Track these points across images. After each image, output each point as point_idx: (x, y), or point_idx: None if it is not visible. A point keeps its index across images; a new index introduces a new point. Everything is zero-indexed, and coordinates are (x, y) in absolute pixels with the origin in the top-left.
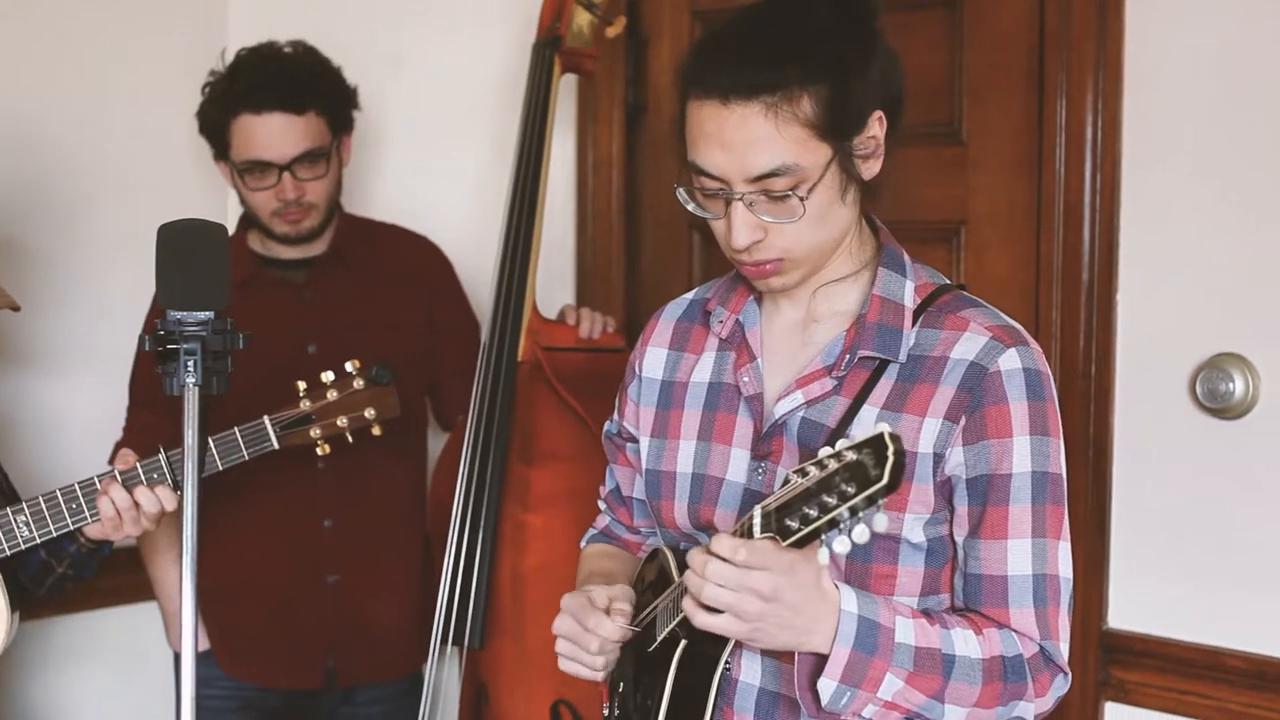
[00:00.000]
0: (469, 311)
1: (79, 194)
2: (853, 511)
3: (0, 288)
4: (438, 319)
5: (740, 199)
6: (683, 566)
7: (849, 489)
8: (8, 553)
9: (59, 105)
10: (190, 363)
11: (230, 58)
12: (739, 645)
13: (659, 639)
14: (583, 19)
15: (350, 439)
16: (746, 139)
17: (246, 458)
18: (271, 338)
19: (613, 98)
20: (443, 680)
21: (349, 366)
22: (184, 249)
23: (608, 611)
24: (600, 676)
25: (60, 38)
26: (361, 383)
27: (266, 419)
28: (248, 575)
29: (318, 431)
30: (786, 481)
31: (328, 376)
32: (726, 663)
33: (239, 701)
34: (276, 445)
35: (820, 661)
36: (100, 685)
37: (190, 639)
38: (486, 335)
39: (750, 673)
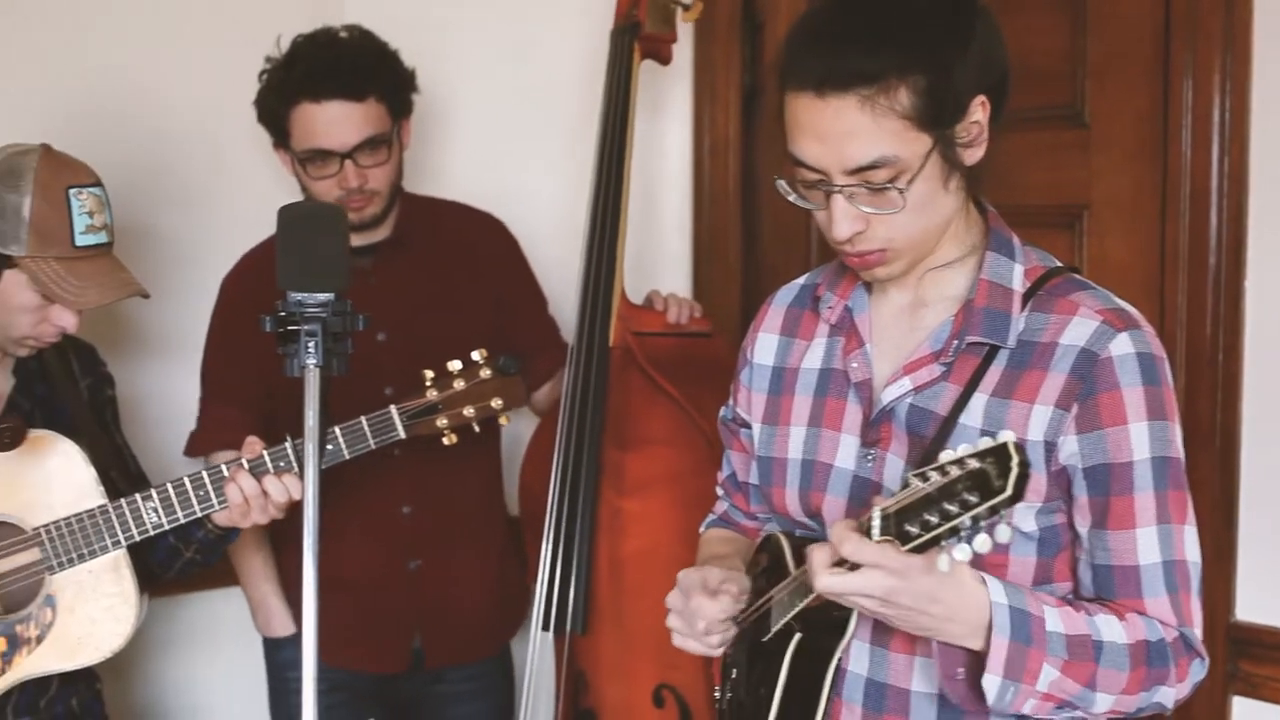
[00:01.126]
0: (536, 286)
1: (203, 180)
2: (974, 520)
3: (130, 275)
4: (505, 295)
5: (840, 191)
6: (797, 555)
7: (971, 498)
8: (137, 538)
9: (185, 93)
10: (311, 344)
11: (286, 45)
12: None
13: (774, 629)
14: (661, 4)
15: (477, 429)
16: (842, 131)
17: (373, 446)
18: None
19: (729, 81)
20: (539, 668)
21: (476, 355)
22: (303, 231)
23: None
24: (715, 652)
25: (186, 25)
26: (489, 372)
27: (393, 408)
28: (331, 562)
29: (444, 421)
30: (906, 484)
31: (454, 365)
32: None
33: (328, 684)
34: (403, 434)
35: (973, 660)
36: (225, 665)
37: (311, 625)
38: (576, 322)
39: (858, 662)
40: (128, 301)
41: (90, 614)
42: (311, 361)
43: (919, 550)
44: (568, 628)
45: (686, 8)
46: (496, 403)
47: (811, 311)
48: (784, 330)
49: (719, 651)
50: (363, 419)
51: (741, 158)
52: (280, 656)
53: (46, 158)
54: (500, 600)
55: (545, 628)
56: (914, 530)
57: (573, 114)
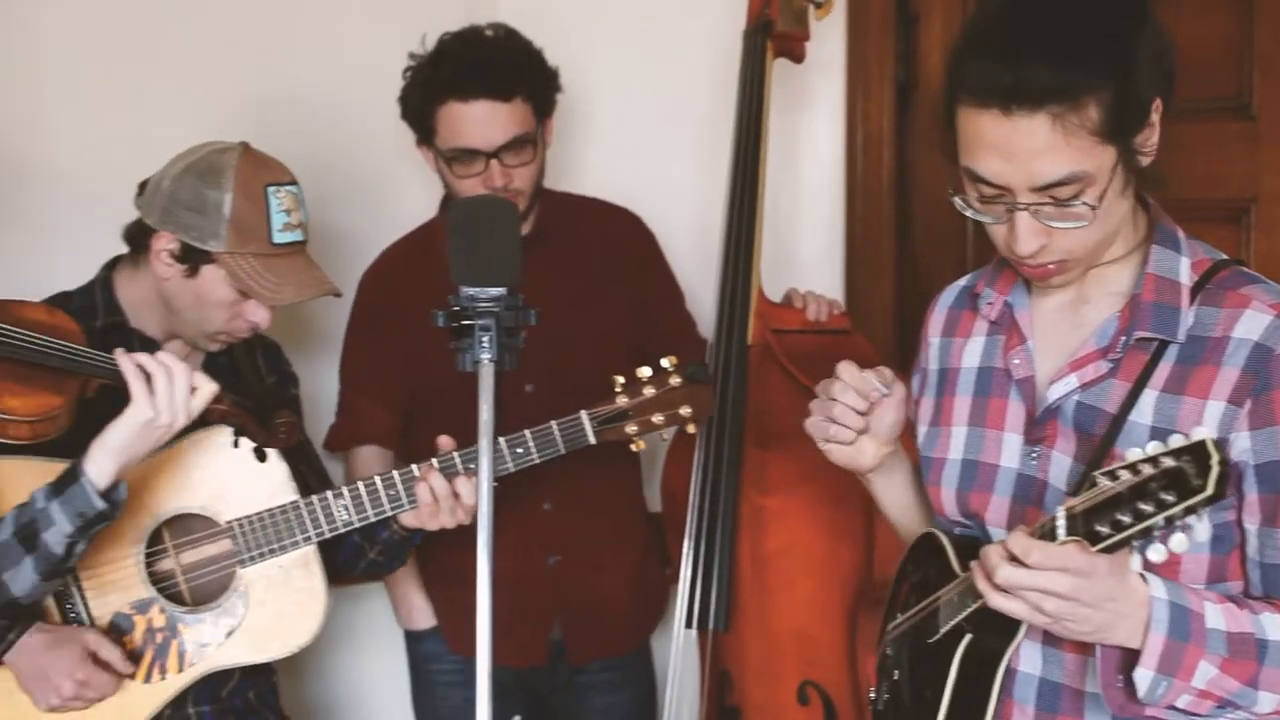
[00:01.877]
0: (673, 281)
1: (388, 177)
2: (1169, 521)
3: (322, 273)
4: (645, 291)
5: (1025, 208)
6: (962, 556)
7: (1167, 497)
8: (327, 535)
9: (369, 92)
10: (485, 338)
11: (431, 43)
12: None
13: (942, 630)
14: (793, 2)
15: (665, 437)
16: (1031, 150)
17: (563, 452)
18: None
19: (883, 75)
20: (681, 666)
21: (665, 363)
22: (476, 226)
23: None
24: (849, 436)
25: (368, 27)
26: (679, 380)
27: (584, 414)
28: (471, 557)
29: (634, 428)
30: (1093, 484)
31: (644, 372)
32: None
33: (468, 675)
34: (593, 440)
35: (1129, 655)
36: (385, 659)
37: (486, 622)
38: (714, 320)
39: (1030, 662)
40: (310, 301)
41: (280, 608)
42: (486, 356)
43: (1109, 550)
44: (710, 625)
45: (819, 5)
46: (685, 410)
47: (970, 310)
48: (944, 332)
49: (850, 437)
50: (554, 424)
51: (895, 153)
52: (422, 649)
53: (246, 156)
54: (640, 596)
55: (688, 625)
56: (1105, 530)
57: (708, 111)
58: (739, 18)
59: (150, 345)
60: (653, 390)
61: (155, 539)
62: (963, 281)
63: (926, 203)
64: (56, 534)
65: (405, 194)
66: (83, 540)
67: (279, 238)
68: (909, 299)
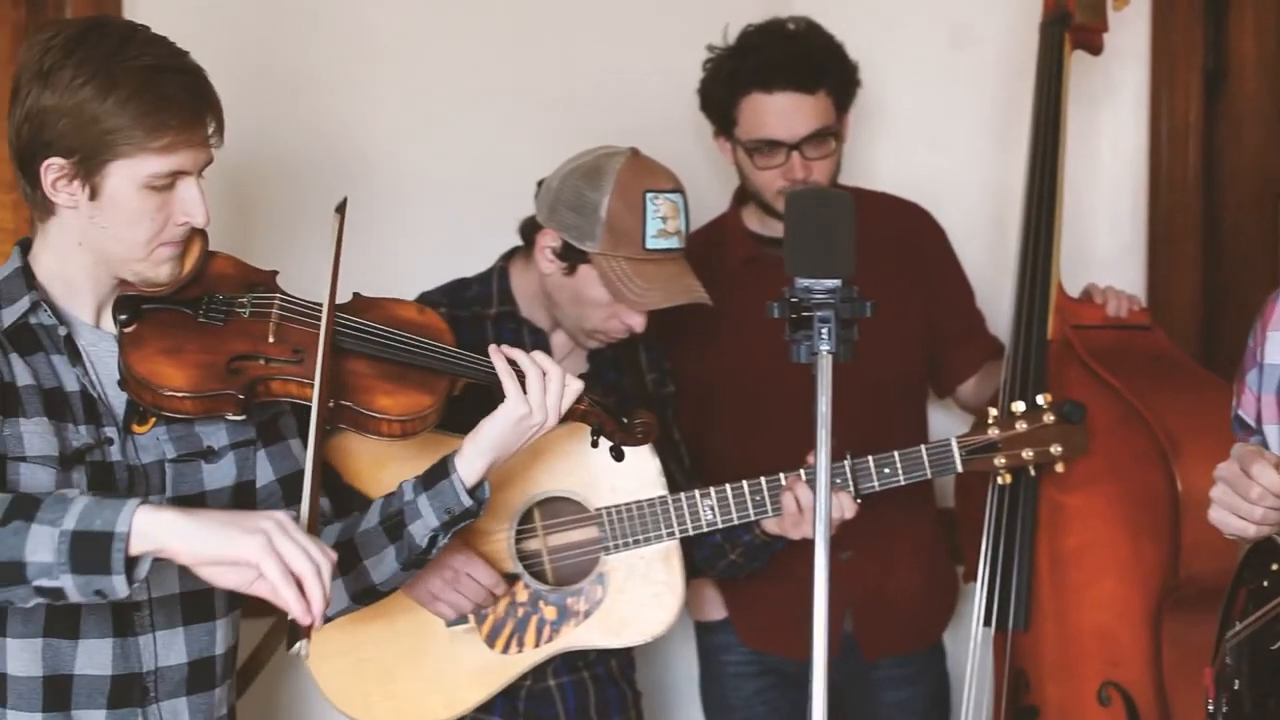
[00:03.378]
0: (964, 276)
1: (684, 172)
2: None
3: (694, 281)
4: (937, 287)
5: None
6: None
7: None
8: (691, 533)
9: (593, 87)
10: (825, 330)
11: (733, 35)
12: None
13: None
14: None
15: (1033, 472)
16: None
17: (929, 476)
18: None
19: (1190, 63)
20: (977, 665)
21: (1040, 400)
22: (814, 218)
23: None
24: (1252, 531)
25: (597, 28)
26: (1052, 417)
27: (953, 440)
28: None
29: (1002, 461)
30: None
31: (1018, 407)
32: None
33: (760, 666)
34: (960, 468)
35: None
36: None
37: (823, 620)
38: (1012, 315)
39: None
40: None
41: (638, 598)
42: (825, 348)
43: None
44: (1009, 624)
45: None
46: (1056, 449)
47: None
48: None
49: (1256, 531)
50: (922, 448)
51: (1202, 144)
52: (713, 640)
53: (631, 161)
54: (932, 591)
55: (986, 623)
56: None
57: (1002, 105)
58: (1034, 10)
59: (539, 335)
60: (1025, 425)
61: (525, 519)
62: None
63: (1236, 194)
64: (422, 527)
65: (702, 188)
66: (445, 535)
67: (652, 243)
68: (1216, 292)
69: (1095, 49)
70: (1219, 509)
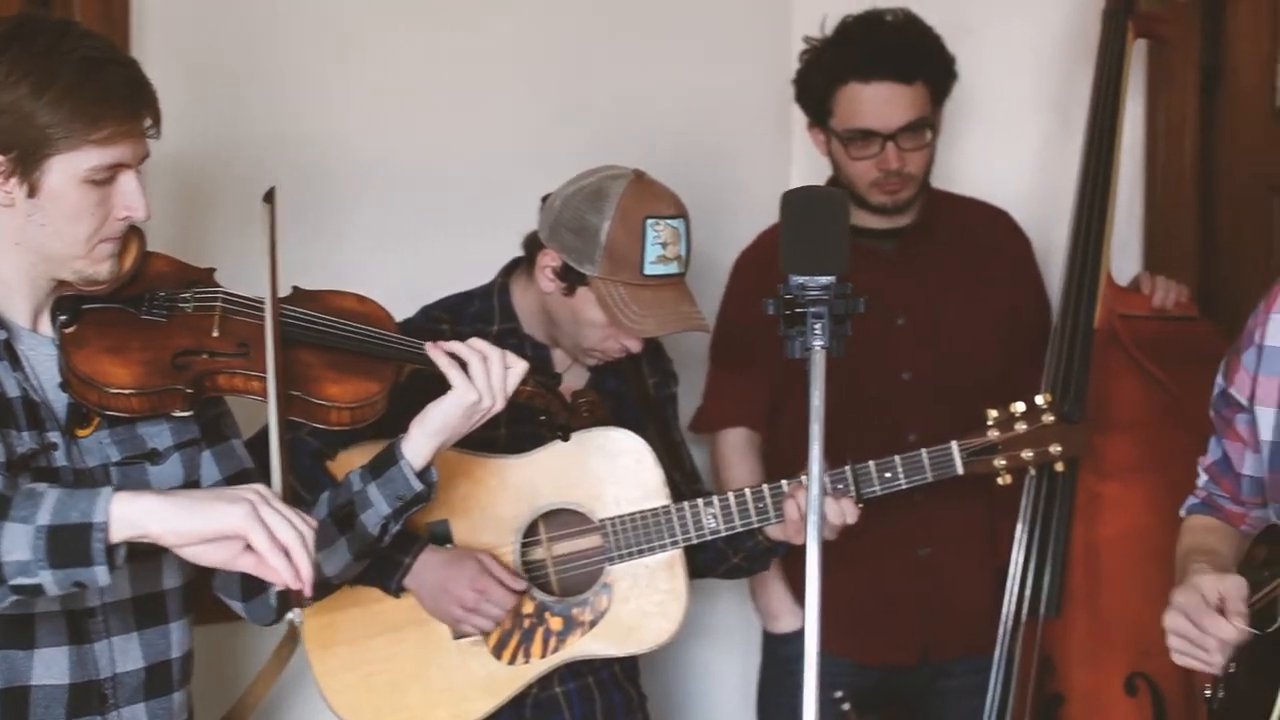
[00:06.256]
0: (1043, 292)
1: (719, 178)
2: None
3: (693, 308)
4: (1018, 301)
5: None
6: None
7: None
8: (695, 541)
9: (657, 88)
10: (818, 326)
11: (829, 26)
12: None
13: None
14: None
15: (1033, 473)
16: None
17: (930, 479)
18: None
19: (1186, 60)
20: (1016, 653)
21: (1039, 400)
22: (807, 215)
23: (1221, 611)
24: (1215, 669)
25: (655, 32)
26: (1051, 417)
27: (954, 444)
28: (838, 549)
29: (1002, 462)
30: None
31: (1017, 408)
32: None
33: (831, 675)
34: (961, 471)
35: None
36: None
37: (815, 612)
38: (1060, 302)
39: None
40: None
41: (642, 607)
42: (819, 344)
43: None
44: (1040, 611)
45: None
46: (1055, 449)
47: None
48: None
49: (1218, 669)
50: (923, 451)
51: (1199, 140)
52: (786, 650)
53: (634, 185)
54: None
55: (1017, 608)
56: None
57: (1058, 96)
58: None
59: (541, 350)
60: (1025, 426)
61: (530, 531)
62: None
63: (1232, 190)
64: (374, 515)
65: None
66: (396, 522)
67: (650, 269)
68: (1213, 287)
69: (1160, 38)
70: (1183, 658)
